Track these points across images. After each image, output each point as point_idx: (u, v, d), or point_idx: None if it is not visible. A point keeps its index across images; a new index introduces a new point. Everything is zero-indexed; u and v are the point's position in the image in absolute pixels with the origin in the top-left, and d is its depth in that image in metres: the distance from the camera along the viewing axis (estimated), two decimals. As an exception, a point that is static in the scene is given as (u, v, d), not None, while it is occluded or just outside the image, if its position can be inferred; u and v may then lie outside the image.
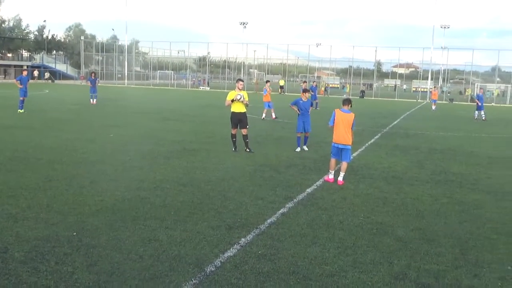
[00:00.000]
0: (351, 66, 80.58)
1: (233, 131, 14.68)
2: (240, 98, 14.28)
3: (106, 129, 19.01)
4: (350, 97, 64.55)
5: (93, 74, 35.73)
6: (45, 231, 6.90)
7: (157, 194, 9.22)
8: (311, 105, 16.25)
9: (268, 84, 28.46)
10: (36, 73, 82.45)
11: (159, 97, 47.15)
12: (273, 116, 26.46)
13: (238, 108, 14.49)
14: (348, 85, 74.01)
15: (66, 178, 10.22)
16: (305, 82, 38.40)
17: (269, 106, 26.37)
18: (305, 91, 15.96)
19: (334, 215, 8.38)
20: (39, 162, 11.87)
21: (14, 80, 26.86)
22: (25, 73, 26.90)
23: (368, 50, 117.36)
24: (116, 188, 9.57)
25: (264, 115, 26.13)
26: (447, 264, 6.34)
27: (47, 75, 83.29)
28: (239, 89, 14.53)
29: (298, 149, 15.43)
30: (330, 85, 79.28)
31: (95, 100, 33.21)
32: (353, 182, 11.06)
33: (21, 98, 24.94)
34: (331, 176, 11.16)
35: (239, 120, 14.50)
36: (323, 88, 71.12)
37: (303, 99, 15.56)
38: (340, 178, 10.94)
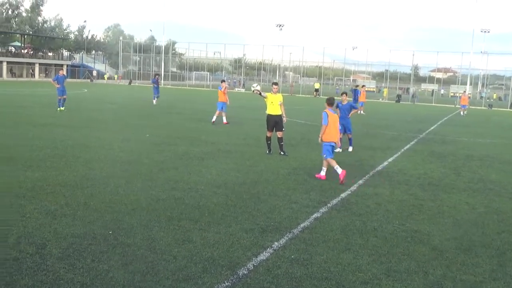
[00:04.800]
0: (387, 70, 79.69)
1: (269, 134, 14.69)
2: (254, 90, 15.01)
3: (142, 129, 19.27)
4: (385, 101, 63.79)
5: (157, 76, 37.25)
6: (82, 228, 7.04)
7: (191, 195, 9.30)
8: (354, 107, 16.93)
9: (224, 83, 24.15)
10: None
11: (194, 98, 47.57)
12: (224, 120, 22.96)
13: (274, 110, 14.50)
14: (385, 89, 73.09)
15: (103, 177, 10.41)
16: (363, 86, 38.87)
17: (222, 108, 23.03)
18: (343, 94, 16.85)
19: (368, 221, 8.29)
20: (78, 160, 12.12)
21: (51, 80, 27.56)
22: (61, 72, 27.60)
23: (405, 54, 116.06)
24: (151, 187, 9.69)
25: (214, 118, 22.83)
26: (484, 275, 6.19)
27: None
28: (274, 93, 14.59)
29: (338, 150, 15.44)
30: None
31: (155, 100, 34.45)
32: (388, 188, 10.92)
33: (59, 97, 25.53)
34: (323, 174, 11.65)
35: (275, 122, 14.49)
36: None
37: (343, 102, 16.39)
38: (339, 170, 11.22)
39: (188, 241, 6.75)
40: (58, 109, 25.26)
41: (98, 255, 6.06)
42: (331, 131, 11.62)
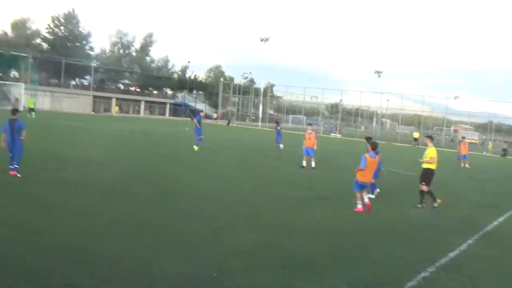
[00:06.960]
0: (491, 122, 75.89)
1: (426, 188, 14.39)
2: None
3: (240, 171, 19.55)
4: (489, 155, 60.59)
5: (277, 121, 38.26)
6: (188, 268, 7.14)
7: (292, 241, 9.21)
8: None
9: (311, 127, 23.80)
10: (202, 114, 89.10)
11: (291, 142, 47.80)
12: (313, 165, 22.22)
13: (433, 165, 14.57)
14: (490, 142, 69.44)
15: (207, 217, 10.59)
16: (463, 137, 38.56)
17: (307, 152, 22.36)
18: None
19: (480, 284, 7.75)
20: (185, 199, 12.46)
21: (195, 120, 29.10)
22: (202, 114, 29.97)
23: (510, 106, 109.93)
24: (252, 230, 9.72)
25: (304, 163, 22.41)
26: None
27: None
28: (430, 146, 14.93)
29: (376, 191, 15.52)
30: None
31: (281, 145, 34.54)
32: (500, 250, 10.20)
33: (201, 137, 27.00)
34: (360, 206, 12.75)
35: (431, 175, 14.50)
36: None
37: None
38: (366, 200, 13.01)
39: (292, 290, 6.64)
40: (195, 147, 26.42)
41: (204, 297, 6.10)
42: (365, 173, 12.80)
